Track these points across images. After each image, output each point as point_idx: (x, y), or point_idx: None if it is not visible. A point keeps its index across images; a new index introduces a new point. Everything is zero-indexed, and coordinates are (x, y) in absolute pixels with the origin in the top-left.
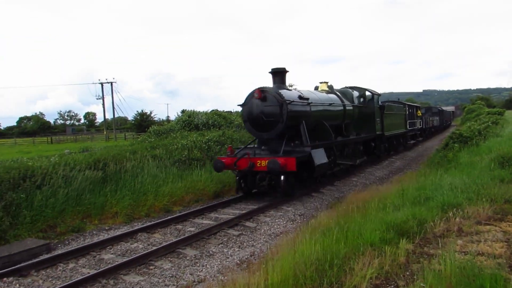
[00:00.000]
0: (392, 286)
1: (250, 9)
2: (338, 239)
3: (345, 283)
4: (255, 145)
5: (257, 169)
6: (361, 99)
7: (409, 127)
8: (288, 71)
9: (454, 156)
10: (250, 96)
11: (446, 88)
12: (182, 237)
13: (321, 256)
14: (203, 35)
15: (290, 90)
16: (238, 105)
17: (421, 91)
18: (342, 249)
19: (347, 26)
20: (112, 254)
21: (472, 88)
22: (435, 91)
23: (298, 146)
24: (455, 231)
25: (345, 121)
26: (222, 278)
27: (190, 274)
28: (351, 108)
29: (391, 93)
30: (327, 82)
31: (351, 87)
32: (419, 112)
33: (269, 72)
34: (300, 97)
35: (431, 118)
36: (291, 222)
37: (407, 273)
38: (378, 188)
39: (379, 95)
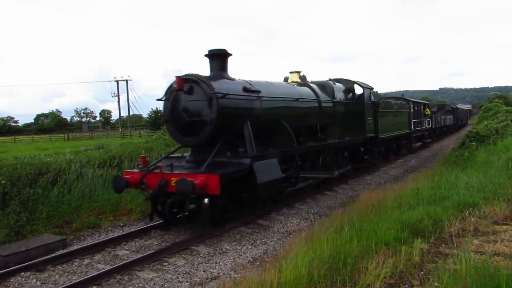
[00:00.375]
0: (406, 286)
1: (260, 7)
2: (352, 237)
3: (359, 282)
4: (184, 154)
5: (170, 189)
6: (349, 94)
7: (414, 127)
8: (231, 54)
9: (470, 155)
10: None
11: (463, 86)
12: (196, 234)
13: (335, 255)
14: (214, 33)
15: (234, 79)
16: (157, 99)
17: (437, 89)
18: (356, 248)
19: (360, 24)
20: (126, 250)
21: (490, 86)
22: (451, 89)
23: (239, 156)
24: (471, 230)
25: (321, 121)
26: (235, 275)
27: (204, 271)
28: (330, 104)
29: (406, 91)
30: (299, 72)
31: (334, 79)
32: (427, 110)
33: (205, 56)
34: (246, 89)
35: (443, 117)
36: (304, 221)
37: (422, 272)
38: (393, 187)
39: (371, 89)
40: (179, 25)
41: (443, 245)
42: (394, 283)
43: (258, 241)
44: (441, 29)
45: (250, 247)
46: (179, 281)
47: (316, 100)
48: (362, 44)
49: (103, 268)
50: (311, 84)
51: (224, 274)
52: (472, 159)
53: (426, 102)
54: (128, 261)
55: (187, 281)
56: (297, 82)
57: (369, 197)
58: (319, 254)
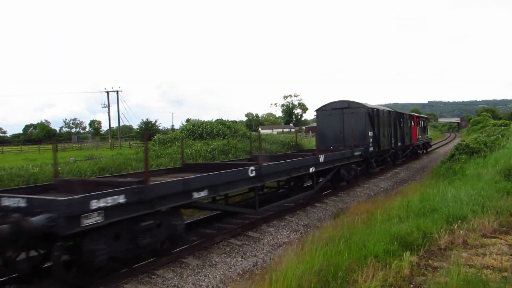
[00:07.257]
0: None
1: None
2: (342, 250)
3: None
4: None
5: None
6: None
7: None
8: None
9: (460, 168)
10: None
11: (451, 100)
12: (185, 246)
13: (325, 267)
14: (206, 42)
15: None
16: None
17: (427, 102)
18: (346, 261)
19: (351, 38)
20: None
21: (478, 100)
22: (440, 102)
23: None
24: (460, 243)
25: None
26: None
27: (192, 284)
28: None
29: (396, 104)
30: None
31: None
32: None
33: None
34: None
35: None
36: (295, 233)
37: (411, 285)
38: (383, 199)
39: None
40: (182, 35)
41: (433, 258)
42: None
43: (248, 253)
44: (431, 43)
45: (240, 259)
46: None
47: None
48: (351, 58)
49: (90, 281)
50: None
51: (213, 287)
52: (461, 172)
53: None
54: (115, 274)
55: None
56: None
57: (359, 209)
58: (309, 267)
